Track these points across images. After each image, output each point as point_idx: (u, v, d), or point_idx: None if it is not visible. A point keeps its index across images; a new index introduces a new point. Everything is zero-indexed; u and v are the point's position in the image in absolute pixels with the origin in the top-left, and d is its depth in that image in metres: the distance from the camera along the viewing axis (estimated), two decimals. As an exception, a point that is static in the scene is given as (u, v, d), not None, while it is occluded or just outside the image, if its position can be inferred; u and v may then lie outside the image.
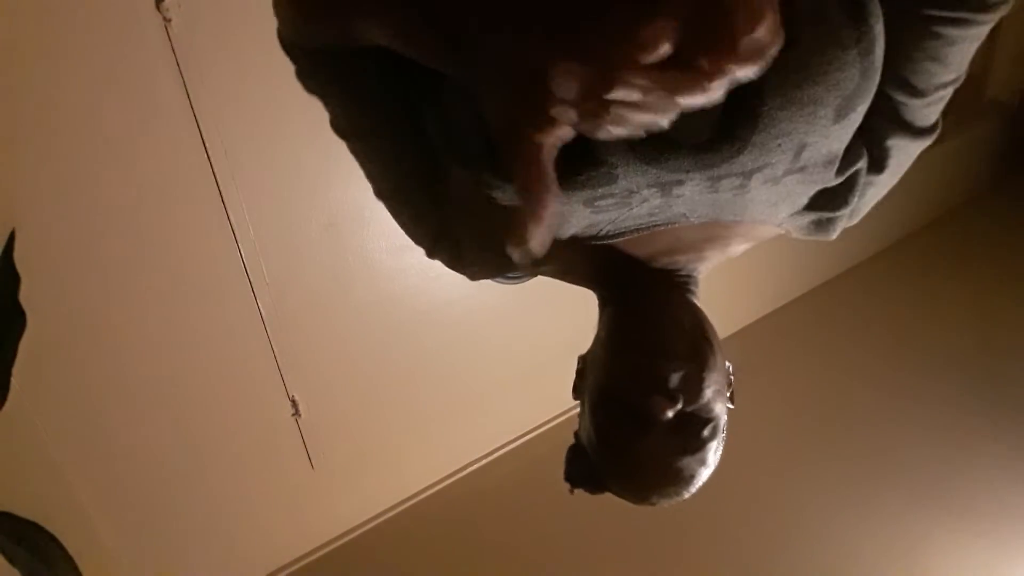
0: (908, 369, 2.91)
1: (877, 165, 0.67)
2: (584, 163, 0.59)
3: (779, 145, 0.59)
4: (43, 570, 1.43)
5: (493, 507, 2.54)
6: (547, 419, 2.79)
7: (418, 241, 0.78)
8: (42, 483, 1.80)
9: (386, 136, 0.70)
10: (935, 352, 2.97)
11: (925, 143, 0.67)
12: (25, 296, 1.41)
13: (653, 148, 0.59)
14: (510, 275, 0.79)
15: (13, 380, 1.43)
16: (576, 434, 0.79)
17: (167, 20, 1.57)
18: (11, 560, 1.41)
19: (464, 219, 0.72)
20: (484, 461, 2.69)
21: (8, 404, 1.43)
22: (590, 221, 0.65)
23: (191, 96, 1.66)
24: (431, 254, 0.79)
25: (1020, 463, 2.53)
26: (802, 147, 0.60)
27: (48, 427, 1.77)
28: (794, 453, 2.61)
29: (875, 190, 0.70)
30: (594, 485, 0.75)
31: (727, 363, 0.75)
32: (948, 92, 0.63)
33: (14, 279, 1.40)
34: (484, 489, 2.61)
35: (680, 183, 0.62)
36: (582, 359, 0.79)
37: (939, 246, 3.46)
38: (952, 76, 0.62)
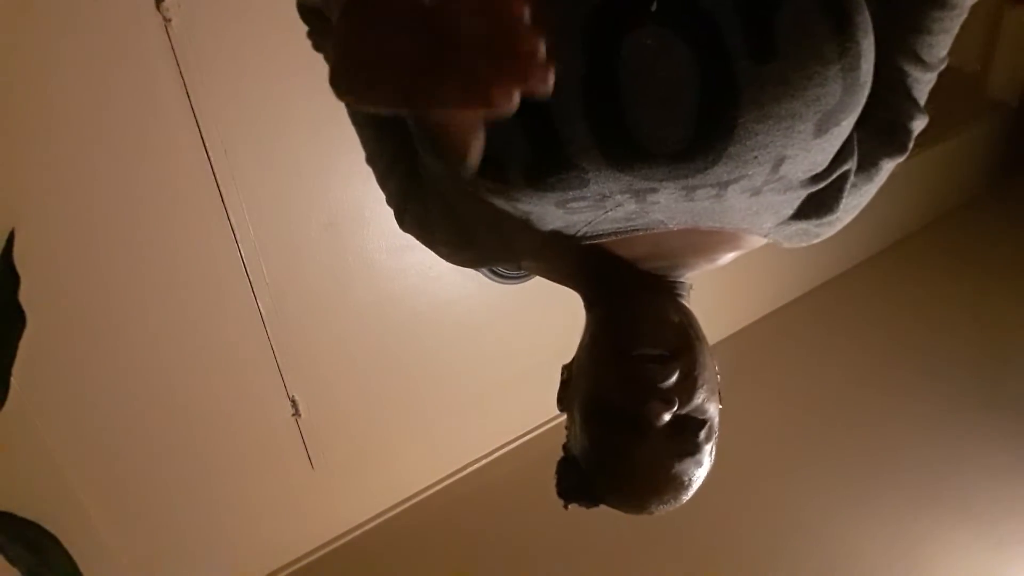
0: (908, 369, 2.91)
1: (902, 147, 0.67)
2: (555, 165, 0.59)
3: (755, 157, 0.58)
4: (43, 570, 1.43)
5: (493, 507, 2.54)
6: (547, 419, 2.79)
7: (389, 199, 0.78)
8: (42, 483, 1.80)
9: None
10: (935, 352, 2.97)
11: (924, 125, 0.68)
12: (25, 296, 1.41)
13: (625, 155, 0.58)
14: (498, 272, 0.79)
15: (13, 380, 1.44)
16: (565, 447, 0.77)
17: (167, 20, 1.57)
18: (11, 560, 1.41)
19: (436, 202, 0.72)
20: (484, 461, 2.69)
21: (8, 404, 1.44)
22: (565, 222, 0.65)
23: (191, 96, 1.66)
24: (401, 223, 0.78)
25: (1020, 463, 2.53)
26: (780, 160, 0.59)
27: (48, 427, 1.77)
28: (794, 453, 2.61)
29: (887, 175, 0.69)
30: (590, 498, 0.74)
31: (715, 365, 0.73)
32: (939, 70, 0.66)
33: (14, 279, 1.40)
34: (484, 489, 2.61)
35: (654, 191, 0.61)
36: (567, 368, 0.77)
37: (939, 246, 3.46)
38: (947, 51, 0.64)
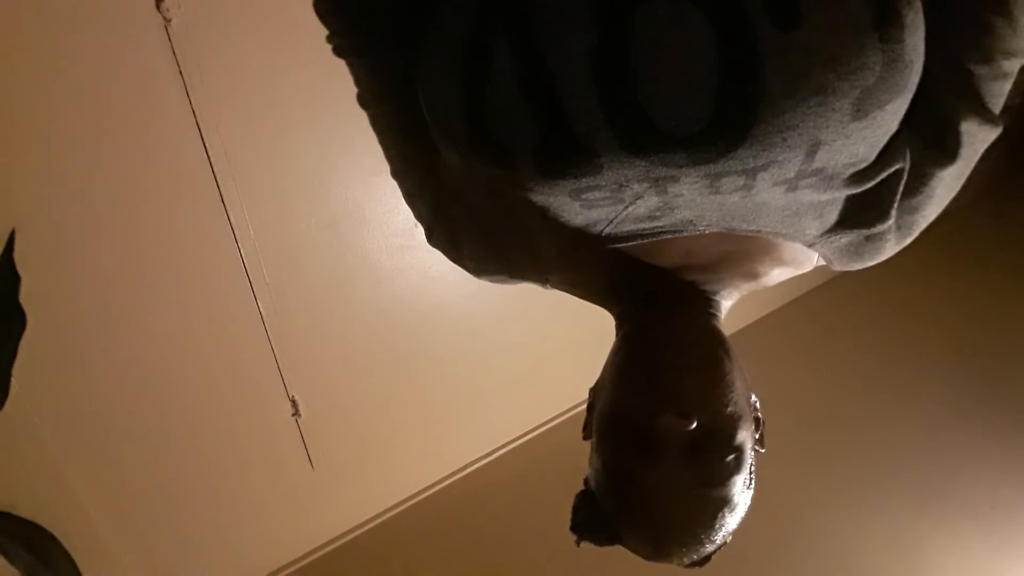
0: (908, 369, 2.91)
1: (948, 153, 0.58)
2: (565, 149, 0.55)
3: (784, 140, 0.52)
4: (43, 570, 1.43)
5: (493, 507, 2.54)
6: (547, 419, 2.79)
7: (418, 217, 0.75)
8: (42, 483, 1.80)
9: (396, 107, 0.68)
10: (935, 352, 2.97)
11: (994, 134, 0.58)
12: (25, 296, 1.40)
13: (639, 137, 0.53)
14: (511, 281, 0.76)
15: (13, 380, 1.43)
16: (585, 480, 0.71)
17: (167, 20, 1.57)
18: (11, 560, 1.41)
19: (459, 207, 0.69)
20: (484, 461, 2.69)
21: (8, 404, 1.43)
22: (585, 218, 0.61)
23: (191, 96, 1.66)
24: (430, 237, 0.75)
25: (1020, 463, 2.53)
26: (815, 145, 0.53)
27: (48, 427, 1.77)
28: (794, 453, 2.61)
29: (943, 190, 0.61)
30: (603, 534, 0.68)
31: (752, 396, 0.67)
32: (1014, 67, 0.57)
33: (14, 279, 1.39)
34: (484, 489, 2.61)
35: (675, 179, 0.56)
36: (593, 391, 0.71)
37: (939, 246, 3.45)
38: (1017, 42, 0.55)
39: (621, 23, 0.52)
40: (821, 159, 0.54)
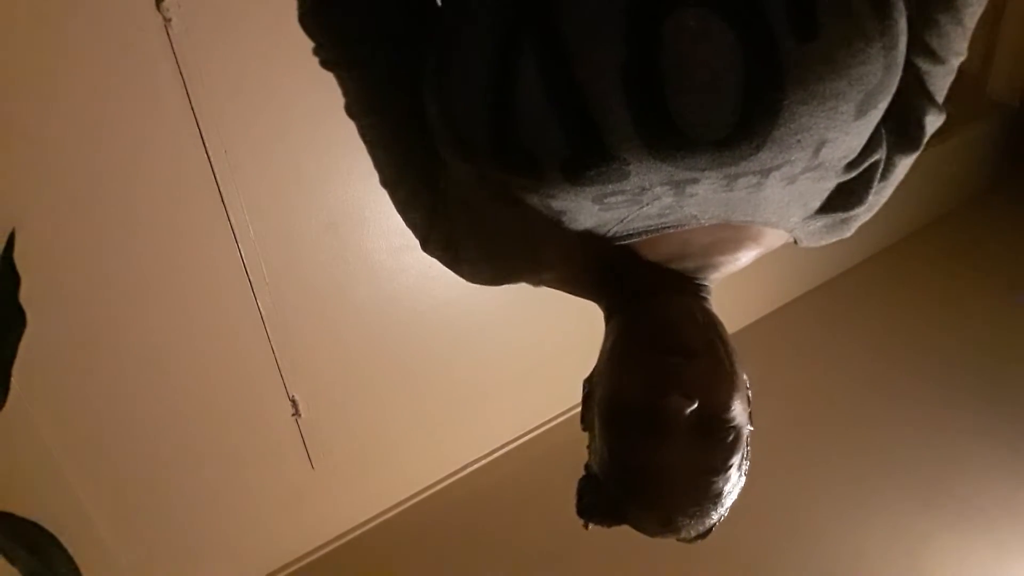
0: (908, 369, 2.91)
1: (914, 143, 0.66)
2: (594, 158, 0.56)
3: (799, 141, 0.56)
4: (43, 570, 1.43)
5: (493, 507, 2.54)
6: (547, 419, 2.79)
7: (412, 227, 0.75)
8: (42, 483, 1.80)
9: (389, 117, 0.68)
10: (935, 352, 2.96)
11: (940, 122, 0.67)
12: (25, 296, 1.40)
13: (668, 144, 0.56)
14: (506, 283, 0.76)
15: (13, 380, 1.43)
16: (587, 466, 0.73)
17: (167, 20, 1.57)
18: (11, 560, 1.41)
19: (461, 215, 0.69)
20: (484, 461, 2.69)
21: (8, 404, 1.43)
22: (598, 220, 0.63)
23: (191, 96, 1.66)
24: (425, 245, 0.75)
25: (1020, 463, 2.53)
26: (821, 144, 0.57)
27: (48, 427, 1.77)
28: (794, 453, 2.61)
29: (902, 172, 0.69)
30: (611, 516, 0.70)
31: (744, 375, 0.69)
32: (959, 63, 0.65)
33: (14, 279, 1.39)
34: (484, 489, 2.61)
35: (695, 181, 0.59)
36: (587, 381, 0.73)
37: (939, 246, 3.45)
38: (964, 43, 0.63)
39: (649, 35, 0.54)
40: (824, 155, 0.59)
